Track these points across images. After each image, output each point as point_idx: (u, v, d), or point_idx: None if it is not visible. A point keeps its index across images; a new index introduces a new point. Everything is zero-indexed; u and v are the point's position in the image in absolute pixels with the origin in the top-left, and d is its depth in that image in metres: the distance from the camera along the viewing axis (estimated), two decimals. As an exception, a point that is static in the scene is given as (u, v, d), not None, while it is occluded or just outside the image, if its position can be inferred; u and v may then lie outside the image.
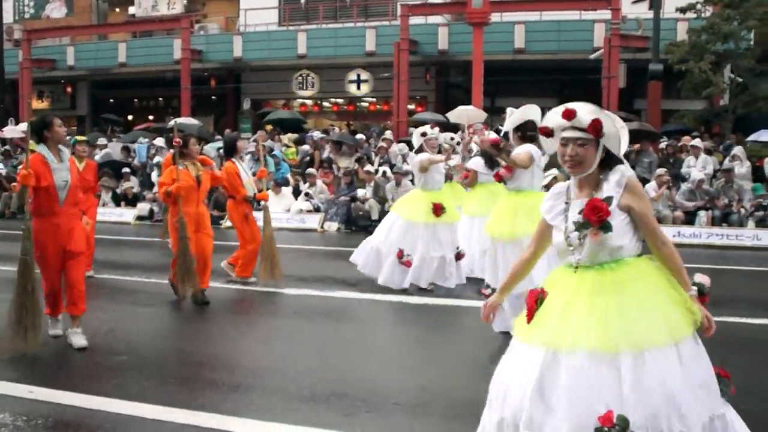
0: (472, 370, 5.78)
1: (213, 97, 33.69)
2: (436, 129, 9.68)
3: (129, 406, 4.94)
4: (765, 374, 5.82)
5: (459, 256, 9.15)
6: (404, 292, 8.82)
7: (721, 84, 22.13)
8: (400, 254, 8.89)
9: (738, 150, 16.71)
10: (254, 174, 9.98)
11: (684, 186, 15.78)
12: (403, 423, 4.71)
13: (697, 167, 16.33)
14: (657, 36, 21.48)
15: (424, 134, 9.24)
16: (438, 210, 8.95)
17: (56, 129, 6.35)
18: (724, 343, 4.09)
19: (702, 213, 14.99)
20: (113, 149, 21.80)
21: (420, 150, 9.22)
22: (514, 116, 7.23)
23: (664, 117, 24.25)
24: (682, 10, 23.15)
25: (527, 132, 7.03)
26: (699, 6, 22.90)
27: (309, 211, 16.56)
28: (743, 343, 6.50)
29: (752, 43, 22.73)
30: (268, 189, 16.33)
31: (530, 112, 7.16)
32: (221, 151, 14.20)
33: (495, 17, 25.96)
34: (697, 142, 17.44)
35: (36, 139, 6.33)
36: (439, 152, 9.81)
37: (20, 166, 6.30)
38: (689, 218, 15.09)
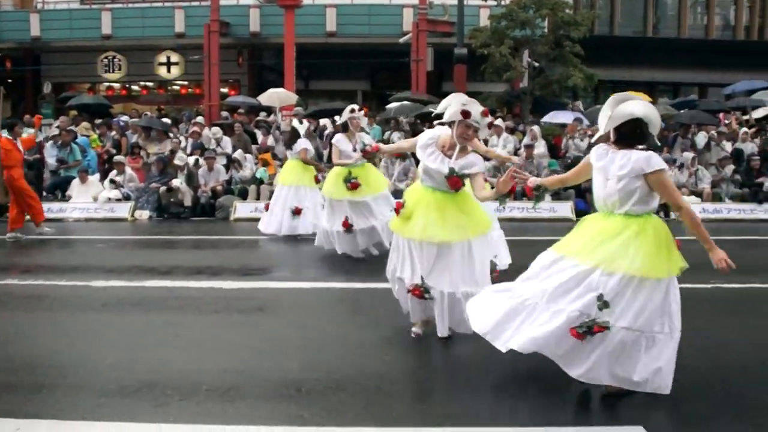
0: (284, 351, 5.92)
1: (9, 80, 31.63)
2: (362, 112, 10.48)
3: None
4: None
5: None
6: (215, 277, 8.89)
7: (520, 68, 23.35)
8: (346, 224, 9.82)
9: (535, 129, 17.80)
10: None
11: (488, 163, 16.58)
12: (216, 408, 4.73)
13: (499, 145, 17.24)
14: (461, 21, 22.31)
15: (353, 110, 10.01)
16: (354, 186, 9.69)
17: None
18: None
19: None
20: None
21: (345, 126, 10.02)
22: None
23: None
24: (485, -2, 24.28)
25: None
26: (499, -6, 24.08)
27: (118, 200, 15.97)
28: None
29: (546, 30, 24.17)
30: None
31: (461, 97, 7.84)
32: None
33: (307, 0, 26.04)
34: (499, 122, 18.36)
35: None
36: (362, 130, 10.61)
37: None
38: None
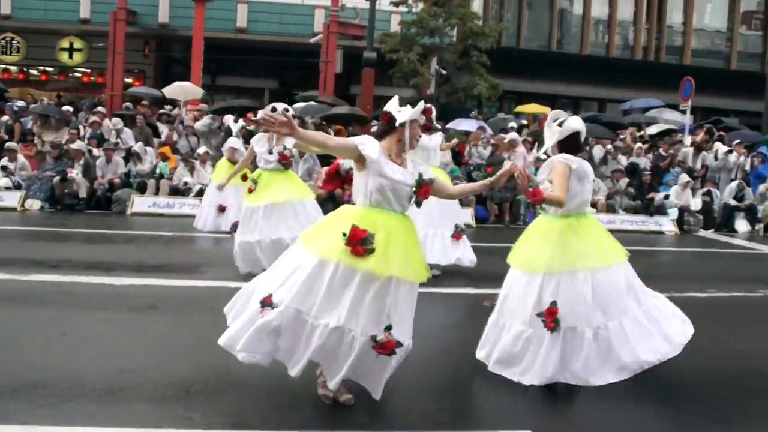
0: (175, 351, 5.84)
1: None
2: (289, 113, 8.89)
3: None
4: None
5: None
6: (107, 273, 8.67)
7: (427, 75, 23.64)
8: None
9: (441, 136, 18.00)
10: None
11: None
12: (101, 410, 4.61)
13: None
14: (372, 26, 22.44)
15: (274, 110, 8.58)
16: (250, 191, 9.02)
17: None
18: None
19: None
20: None
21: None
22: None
23: (376, 102, 25.32)
24: (396, 4, 24.58)
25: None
26: (410, 1, 24.37)
27: (8, 188, 15.34)
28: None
29: (454, 39, 24.60)
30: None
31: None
32: None
33: (219, -6, 25.74)
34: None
35: None
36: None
37: None
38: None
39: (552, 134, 5.57)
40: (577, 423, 4.95)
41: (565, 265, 5.32)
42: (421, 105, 4.87)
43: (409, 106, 4.85)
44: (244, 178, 11.87)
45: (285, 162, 8.98)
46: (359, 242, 4.50)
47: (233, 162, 12.15)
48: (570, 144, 5.51)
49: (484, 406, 5.20)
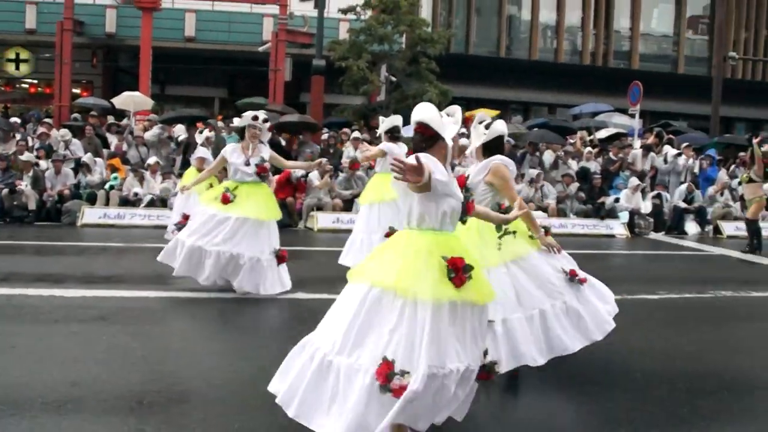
0: (126, 363, 5.81)
1: None
2: (267, 125, 8.73)
3: None
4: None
5: (281, 259, 8.65)
6: (57, 284, 8.63)
7: (377, 82, 23.77)
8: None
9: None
10: None
11: (342, 175, 16.82)
12: (51, 422, 4.59)
13: (359, 157, 17.45)
14: (321, 33, 22.51)
15: (255, 118, 8.49)
16: (225, 199, 8.36)
17: None
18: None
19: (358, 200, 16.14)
20: None
21: (242, 133, 8.62)
22: (386, 122, 9.65)
23: (326, 110, 25.49)
24: (344, 11, 24.62)
25: (394, 134, 9.50)
26: (359, 9, 24.45)
27: (-45, 202, 15.11)
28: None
29: (403, 46, 24.77)
30: None
31: (395, 119, 9.71)
32: None
33: (166, 3, 25.72)
34: (356, 134, 18.61)
35: None
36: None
37: None
38: (347, 205, 16.18)
39: (478, 136, 5.69)
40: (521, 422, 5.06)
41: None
42: (459, 111, 4.46)
43: (447, 116, 4.38)
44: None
45: (264, 174, 8.62)
46: (463, 271, 4.08)
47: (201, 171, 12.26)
48: (495, 146, 5.66)
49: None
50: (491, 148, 5.64)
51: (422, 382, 3.79)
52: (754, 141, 15.14)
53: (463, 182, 4.79)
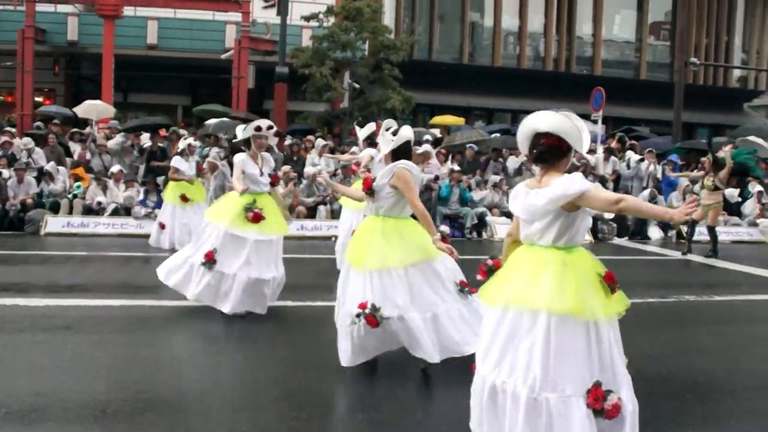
0: (91, 371, 5.83)
1: None
2: (273, 131, 8.21)
3: None
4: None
5: None
6: (20, 294, 8.60)
7: (340, 89, 23.86)
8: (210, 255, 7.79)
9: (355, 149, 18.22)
10: None
11: (304, 182, 16.87)
12: (17, 431, 4.60)
13: (321, 164, 17.53)
14: (284, 41, 22.58)
15: (258, 128, 7.96)
16: (258, 217, 7.82)
17: None
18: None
19: (322, 207, 16.21)
20: None
21: (248, 144, 8.06)
22: (364, 131, 10.15)
23: (289, 117, 25.53)
24: (307, 18, 24.70)
25: (373, 140, 9.59)
26: (321, 16, 24.54)
27: None
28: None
29: (366, 53, 24.88)
30: None
31: (372, 126, 9.98)
32: None
33: (128, 11, 25.52)
34: (319, 141, 18.67)
35: None
36: (269, 150, 8.71)
37: None
38: (311, 212, 16.22)
39: (387, 142, 5.90)
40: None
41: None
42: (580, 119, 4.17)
43: (585, 125, 4.17)
44: (184, 198, 12.35)
45: (276, 184, 8.46)
46: (617, 285, 4.17)
47: (174, 180, 12.91)
48: (403, 151, 5.87)
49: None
50: (399, 153, 5.86)
51: (629, 395, 4.01)
52: (726, 149, 15.31)
53: (368, 185, 5.73)
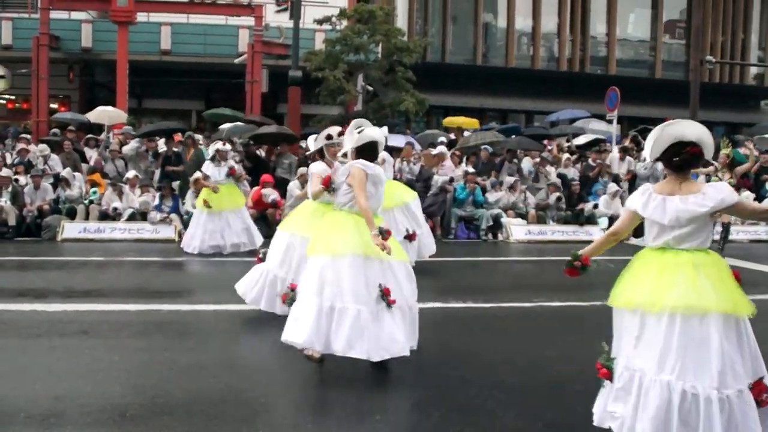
0: (108, 376, 5.84)
1: None
2: (342, 137, 7.28)
3: None
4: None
5: None
6: (38, 299, 8.60)
7: (354, 92, 23.88)
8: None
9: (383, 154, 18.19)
10: None
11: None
12: (35, 436, 4.59)
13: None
14: (297, 44, 22.57)
15: (329, 137, 7.46)
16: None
17: None
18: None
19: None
20: None
21: (321, 153, 7.54)
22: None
23: (303, 121, 25.52)
24: (320, 22, 24.72)
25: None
26: (334, 19, 24.56)
27: (-65, 218, 15.00)
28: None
29: (379, 55, 24.88)
30: None
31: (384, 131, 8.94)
32: None
33: (142, 17, 25.60)
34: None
35: None
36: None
37: None
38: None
39: (351, 141, 6.05)
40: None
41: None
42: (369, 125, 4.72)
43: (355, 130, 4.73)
44: (206, 203, 12.32)
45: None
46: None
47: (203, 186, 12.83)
48: (367, 150, 6.00)
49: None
50: (363, 151, 5.99)
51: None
52: (750, 145, 15.22)
53: (327, 182, 6.02)
